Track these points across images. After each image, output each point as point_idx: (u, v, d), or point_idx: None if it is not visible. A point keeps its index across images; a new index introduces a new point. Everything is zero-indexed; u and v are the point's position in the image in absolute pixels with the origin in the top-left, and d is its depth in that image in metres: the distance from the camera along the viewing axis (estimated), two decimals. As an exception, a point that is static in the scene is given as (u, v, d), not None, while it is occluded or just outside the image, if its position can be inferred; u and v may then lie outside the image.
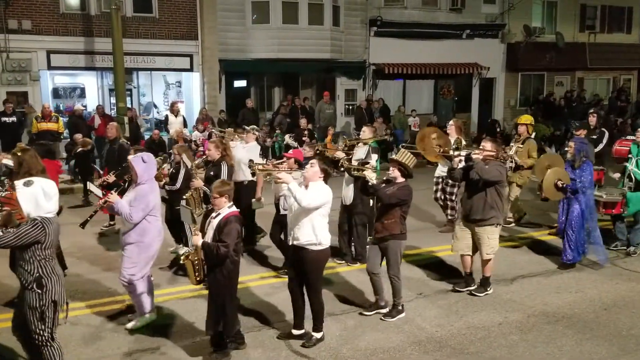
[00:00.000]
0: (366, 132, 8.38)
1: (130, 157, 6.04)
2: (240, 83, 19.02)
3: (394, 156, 6.38)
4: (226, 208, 5.19)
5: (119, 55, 14.66)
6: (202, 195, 7.34)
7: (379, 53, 19.64)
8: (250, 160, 7.61)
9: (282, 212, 7.20)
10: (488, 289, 6.93)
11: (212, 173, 7.25)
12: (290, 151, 7.62)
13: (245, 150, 8.56)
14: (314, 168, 5.50)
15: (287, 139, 14.03)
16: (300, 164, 7.10)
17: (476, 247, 6.87)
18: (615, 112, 22.55)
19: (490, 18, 21.59)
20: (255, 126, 9.31)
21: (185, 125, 16.25)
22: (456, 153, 6.87)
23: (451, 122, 9.57)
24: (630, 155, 8.45)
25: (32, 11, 15.69)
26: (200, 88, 17.87)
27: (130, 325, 5.99)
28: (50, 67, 16.25)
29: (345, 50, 19.06)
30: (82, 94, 18.03)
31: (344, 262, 7.99)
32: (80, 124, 14.95)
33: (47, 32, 15.82)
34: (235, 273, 5.25)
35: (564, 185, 7.59)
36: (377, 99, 19.25)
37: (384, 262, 6.25)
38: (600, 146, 10.21)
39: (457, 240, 6.98)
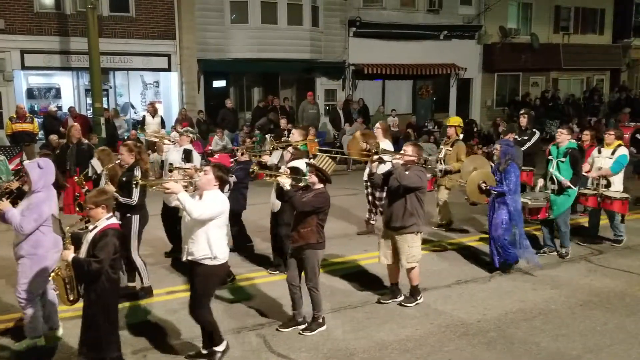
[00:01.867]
0: (295, 135, 7.97)
1: (25, 163, 5.68)
2: (219, 83, 18.93)
3: (311, 161, 6.14)
4: (104, 220, 4.67)
5: (95, 55, 14.47)
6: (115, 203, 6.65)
7: (358, 53, 19.73)
8: (170, 164, 7.42)
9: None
10: (419, 298, 6.61)
11: (124, 179, 6.65)
12: (216, 156, 7.28)
13: (177, 152, 8.10)
14: (207, 176, 5.07)
15: (268, 139, 14.00)
16: (226, 170, 6.85)
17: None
18: (589, 112, 23.00)
19: (467, 19, 21.84)
20: (190, 128, 8.72)
21: (163, 125, 16.14)
22: (375, 158, 6.54)
23: (377, 124, 9.31)
24: (550, 158, 8.24)
25: (5, 10, 15.42)
26: (179, 88, 17.74)
27: (16, 345, 5.54)
28: (24, 67, 15.97)
29: (324, 50, 19.10)
30: (58, 95, 17.74)
31: (278, 272, 7.53)
32: (55, 124, 14.71)
33: (20, 31, 15.56)
34: (111, 292, 4.66)
35: (488, 187, 7.44)
36: (356, 99, 19.34)
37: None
38: (527, 145, 9.90)
39: (381, 248, 6.66)
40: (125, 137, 15.40)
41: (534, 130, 10.20)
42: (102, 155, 7.36)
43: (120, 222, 6.59)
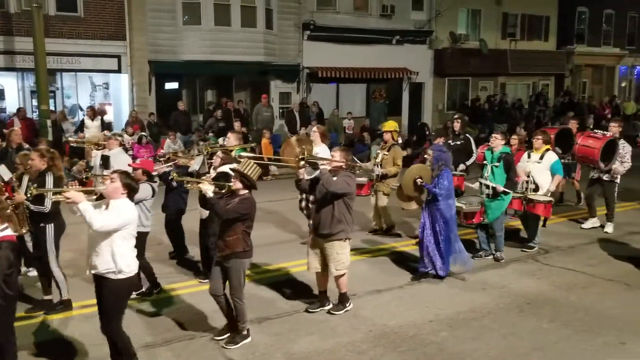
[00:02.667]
0: (231, 139, 7.73)
1: None
2: (171, 85, 18.62)
3: (235, 166, 5.95)
4: None
5: (41, 55, 14.01)
6: (27, 211, 6.35)
7: (313, 57, 19.79)
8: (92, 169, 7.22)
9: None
10: (347, 306, 6.50)
11: (35, 185, 6.02)
12: (138, 160, 6.92)
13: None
14: (114, 184, 4.80)
15: (222, 142, 13.86)
16: (150, 175, 6.72)
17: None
18: (535, 116, 23.82)
19: (418, 24, 22.24)
20: (118, 132, 8.41)
21: (106, 128, 15.78)
22: (301, 164, 6.30)
23: (314, 128, 9.08)
24: (485, 162, 8.18)
25: (-56, 7, 14.79)
26: (129, 90, 17.35)
27: None
28: (-35, 67, 15.35)
29: (279, 53, 19.07)
30: (1, 96, 17.12)
31: (207, 281, 7.23)
32: (-3, 126, 14.17)
33: (-39, 29, 14.95)
34: (7, 309, 4.29)
35: (422, 183, 7.36)
36: (311, 102, 19.40)
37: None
38: (473, 157, 9.64)
39: (309, 256, 6.48)
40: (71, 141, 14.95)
41: (467, 135, 10.06)
42: (23, 160, 6.87)
43: (33, 232, 6.40)
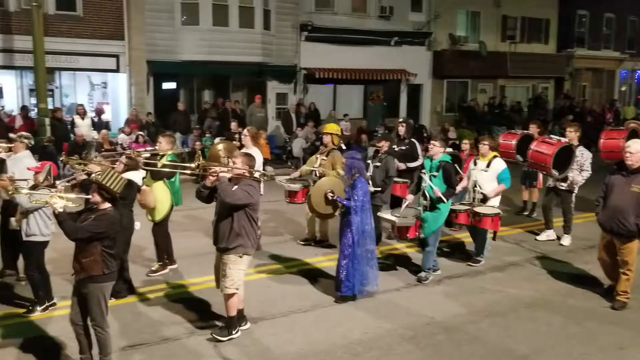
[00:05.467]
0: (162, 144, 7.45)
1: None
2: (169, 85, 18.72)
3: (93, 176, 5.36)
4: None
5: (39, 54, 14.15)
6: None
7: (310, 57, 19.84)
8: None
9: None
10: (234, 333, 5.84)
11: None
12: (39, 163, 6.49)
13: (11, 161, 7.10)
14: None
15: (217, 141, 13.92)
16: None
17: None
18: (535, 119, 23.72)
19: (417, 26, 22.28)
20: (25, 133, 7.66)
21: (105, 127, 15.91)
22: (213, 170, 5.69)
23: (245, 130, 8.71)
24: (423, 171, 7.60)
25: (-56, 6, 14.90)
26: (127, 89, 17.43)
27: None
28: (-36, 65, 15.46)
29: (276, 54, 19.13)
30: (0, 94, 17.21)
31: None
32: (-4, 124, 14.30)
33: (-40, 28, 15.06)
34: None
35: (335, 197, 6.84)
36: (307, 103, 19.46)
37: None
38: (419, 161, 9.07)
39: (215, 271, 5.99)
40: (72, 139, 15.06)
41: (413, 140, 9.56)
42: None
43: None
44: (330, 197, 6.92)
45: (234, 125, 15.74)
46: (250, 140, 8.40)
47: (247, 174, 5.74)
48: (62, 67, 16.69)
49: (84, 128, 15.19)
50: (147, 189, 7.17)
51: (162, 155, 7.52)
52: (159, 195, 7.42)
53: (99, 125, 16.38)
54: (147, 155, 7.59)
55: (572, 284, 7.60)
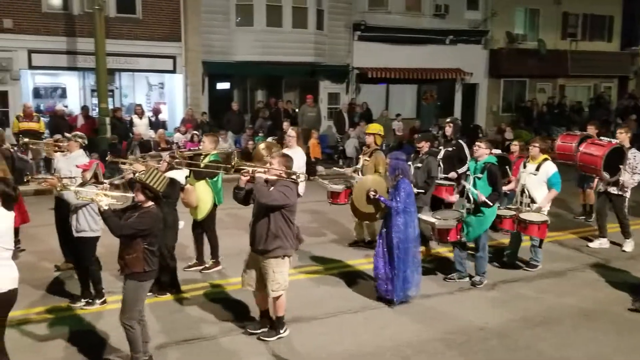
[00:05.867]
0: (206, 143, 7.45)
1: None
2: (223, 85, 19.04)
3: (137, 175, 5.43)
4: None
5: (101, 55, 14.66)
6: None
7: (363, 57, 19.76)
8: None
9: None
10: (281, 332, 5.83)
11: None
12: (87, 162, 6.61)
13: (65, 160, 7.40)
14: None
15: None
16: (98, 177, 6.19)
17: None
18: (596, 119, 22.80)
19: (473, 24, 21.82)
20: (79, 133, 7.90)
21: (161, 127, 16.33)
22: (245, 170, 5.63)
23: (290, 130, 8.54)
24: (468, 173, 7.38)
25: (13, 10, 15.62)
26: (183, 90, 17.86)
27: None
28: (31, 67, 16.17)
29: (328, 54, 19.15)
30: (64, 94, 17.94)
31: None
32: (61, 124, 14.86)
33: (28, 31, 15.73)
34: None
35: (377, 196, 6.69)
36: (360, 103, 19.37)
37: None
38: (466, 166, 8.34)
39: (243, 272, 5.94)
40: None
41: (460, 141, 9.04)
42: None
43: None
44: (372, 196, 6.79)
45: (286, 125, 15.85)
46: (294, 140, 8.27)
47: (283, 174, 5.66)
48: (122, 68, 17.24)
49: (141, 127, 15.65)
50: (190, 188, 7.30)
51: (206, 155, 7.62)
52: (202, 194, 7.53)
53: (156, 124, 16.81)
54: (191, 154, 7.72)
55: (632, 293, 7.20)
